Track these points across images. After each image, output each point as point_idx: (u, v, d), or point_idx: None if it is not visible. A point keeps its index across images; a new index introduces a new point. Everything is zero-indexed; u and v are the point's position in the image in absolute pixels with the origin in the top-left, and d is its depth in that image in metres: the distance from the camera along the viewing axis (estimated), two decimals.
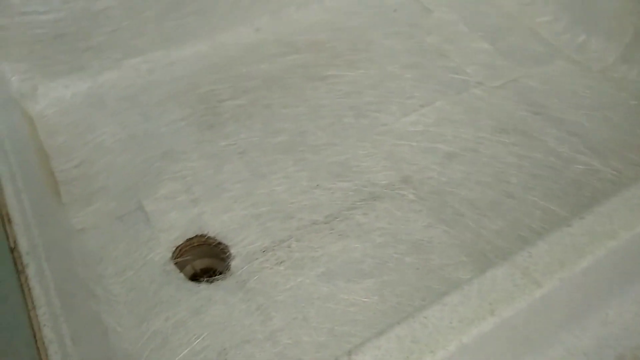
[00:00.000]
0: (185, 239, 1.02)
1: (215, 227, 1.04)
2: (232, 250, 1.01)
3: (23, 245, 0.74)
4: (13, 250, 0.72)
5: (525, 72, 1.30)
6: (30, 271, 0.71)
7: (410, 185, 1.09)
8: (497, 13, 1.46)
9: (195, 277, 1.01)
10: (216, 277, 0.98)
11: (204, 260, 1.05)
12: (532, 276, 0.69)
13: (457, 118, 1.20)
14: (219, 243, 1.03)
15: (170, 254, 1.00)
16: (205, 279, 0.98)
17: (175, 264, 1.00)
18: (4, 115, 1.01)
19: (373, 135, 1.18)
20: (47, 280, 0.73)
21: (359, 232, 1.02)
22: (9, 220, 0.75)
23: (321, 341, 0.89)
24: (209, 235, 1.03)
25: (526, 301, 0.67)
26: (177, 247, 1.02)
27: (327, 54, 1.35)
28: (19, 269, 0.71)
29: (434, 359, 0.63)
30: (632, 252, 0.78)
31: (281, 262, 0.98)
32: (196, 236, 1.03)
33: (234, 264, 0.99)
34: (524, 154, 1.13)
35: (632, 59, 1.27)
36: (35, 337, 0.65)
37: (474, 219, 1.03)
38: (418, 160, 1.13)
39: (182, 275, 0.98)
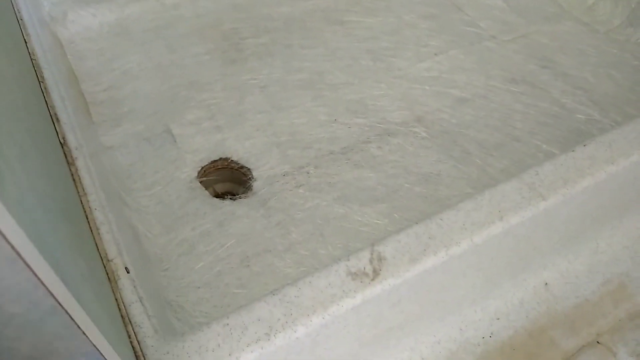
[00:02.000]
0: (210, 161, 1.09)
1: (238, 151, 1.10)
2: (254, 173, 1.07)
3: (71, 141, 0.79)
4: (63, 145, 0.78)
5: (536, 29, 1.36)
6: (80, 164, 0.77)
7: (422, 124, 1.15)
8: None
9: (217, 197, 1.07)
10: (239, 196, 1.05)
11: (225, 184, 1.12)
12: (537, 191, 0.76)
13: (469, 67, 1.26)
14: (242, 166, 1.09)
15: (195, 174, 1.07)
16: (229, 197, 1.04)
17: (201, 182, 1.06)
18: (41, 34, 1.05)
19: (389, 78, 1.23)
20: (92, 174, 0.79)
21: (373, 163, 1.09)
22: (57, 119, 0.81)
23: (336, 254, 0.96)
24: (232, 158, 1.09)
25: (532, 211, 0.75)
26: (202, 168, 1.08)
27: (346, 0, 1.40)
28: (69, 161, 0.77)
29: (448, 253, 0.70)
30: (628, 180, 0.85)
31: (300, 186, 1.05)
32: (220, 159, 1.09)
33: (255, 185, 1.05)
34: (531, 103, 1.20)
35: (637, 23, 1.33)
36: (87, 218, 0.71)
37: (480, 157, 1.10)
38: (431, 102, 1.19)
39: (207, 192, 1.05)
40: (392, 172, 1.08)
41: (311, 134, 1.13)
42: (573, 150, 0.81)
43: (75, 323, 0.35)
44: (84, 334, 0.39)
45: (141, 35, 1.30)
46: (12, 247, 0.29)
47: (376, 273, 0.68)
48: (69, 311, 0.34)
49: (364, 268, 0.68)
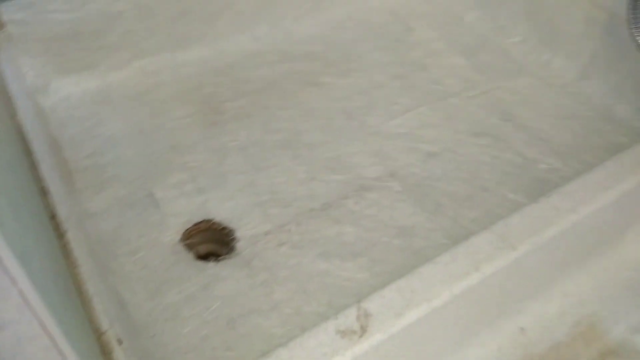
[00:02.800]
0: (192, 223, 1.11)
1: (220, 213, 1.13)
2: (237, 234, 1.10)
3: (61, 213, 0.82)
4: (53, 217, 0.80)
5: (496, 85, 1.46)
6: (70, 236, 0.79)
7: (396, 178, 1.21)
8: (472, 33, 1.63)
9: (201, 259, 1.09)
10: (223, 257, 1.07)
11: (208, 245, 1.14)
12: (508, 241, 0.82)
13: (437, 123, 1.34)
14: (224, 227, 1.12)
15: (179, 237, 1.09)
16: (213, 259, 1.07)
17: (184, 245, 1.08)
18: (26, 105, 1.09)
19: (363, 135, 1.30)
20: (82, 245, 0.81)
21: (351, 218, 1.13)
22: (47, 191, 0.83)
23: (320, 311, 0.98)
24: (214, 220, 1.12)
25: (504, 261, 0.80)
26: (186, 230, 1.10)
27: (320, 63, 1.48)
28: (59, 234, 0.79)
29: (430, 306, 0.74)
30: (589, 226, 0.92)
31: (282, 244, 1.08)
32: (203, 221, 1.12)
33: (239, 245, 1.08)
34: (496, 155, 1.27)
35: (589, 77, 1.44)
36: (80, 291, 0.73)
37: (452, 209, 1.16)
38: (403, 157, 1.26)
39: (190, 255, 1.07)
40: (370, 226, 1.12)
41: (291, 192, 1.17)
42: (538, 202, 0.87)
43: None
44: None
45: (123, 101, 1.34)
46: (50, 336, 0.31)
47: (364, 330, 0.71)
48: None
49: (352, 325, 0.71)
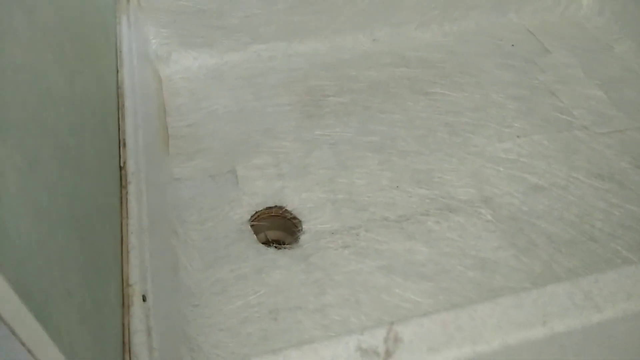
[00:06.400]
0: (265, 207, 1.10)
1: (294, 202, 1.10)
2: (304, 226, 1.06)
3: (131, 165, 0.84)
4: (122, 168, 0.83)
5: (636, 125, 1.25)
6: (132, 188, 0.82)
7: (489, 206, 1.08)
8: (617, 64, 1.42)
9: (265, 244, 1.07)
10: (284, 245, 1.04)
11: (277, 232, 1.12)
12: (594, 300, 0.67)
13: (552, 154, 1.18)
14: (294, 217, 1.09)
15: (248, 217, 1.08)
16: (274, 245, 1.04)
17: (251, 226, 1.07)
18: (142, 68, 1.16)
19: (462, 153, 1.19)
20: (142, 200, 0.83)
21: (427, 237, 1.04)
22: (124, 144, 0.87)
23: (367, 326, 0.90)
24: (286, 208, 1.10)
25: (582, 322, 0.66)
26: (256, 212, 1.09)
27: (435, 72, 1.39)
28: (122, 184, 0.81)
29: (473, 349, 0.63)
30: None
31: (346, 247, 1.02)
32: (275, 206, 1.10)
33: (303, 237, 1.04)
34: (616, 203, 1.09)
35: None
36: (122, 242, 0.74)
37: (547, 252, 1.01)
38: (502, 185, 1.12)
39: (254, 237, 1.06)
40: (446, 251, 1.02)
41: (369, 197, 1.11)
42: None
43: None
44: None
45: (233, 81, 1.38)
46: None
47: (388, 354, 0.63)
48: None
49: (377, 347, 0.63)
